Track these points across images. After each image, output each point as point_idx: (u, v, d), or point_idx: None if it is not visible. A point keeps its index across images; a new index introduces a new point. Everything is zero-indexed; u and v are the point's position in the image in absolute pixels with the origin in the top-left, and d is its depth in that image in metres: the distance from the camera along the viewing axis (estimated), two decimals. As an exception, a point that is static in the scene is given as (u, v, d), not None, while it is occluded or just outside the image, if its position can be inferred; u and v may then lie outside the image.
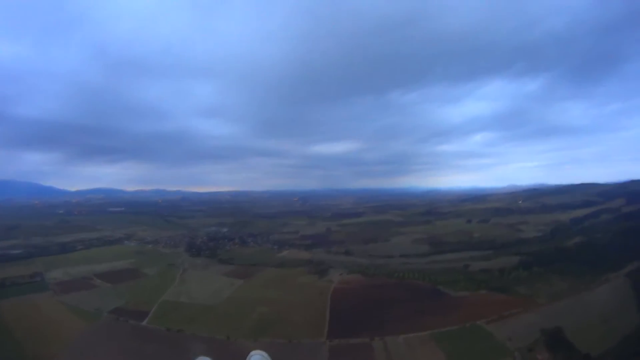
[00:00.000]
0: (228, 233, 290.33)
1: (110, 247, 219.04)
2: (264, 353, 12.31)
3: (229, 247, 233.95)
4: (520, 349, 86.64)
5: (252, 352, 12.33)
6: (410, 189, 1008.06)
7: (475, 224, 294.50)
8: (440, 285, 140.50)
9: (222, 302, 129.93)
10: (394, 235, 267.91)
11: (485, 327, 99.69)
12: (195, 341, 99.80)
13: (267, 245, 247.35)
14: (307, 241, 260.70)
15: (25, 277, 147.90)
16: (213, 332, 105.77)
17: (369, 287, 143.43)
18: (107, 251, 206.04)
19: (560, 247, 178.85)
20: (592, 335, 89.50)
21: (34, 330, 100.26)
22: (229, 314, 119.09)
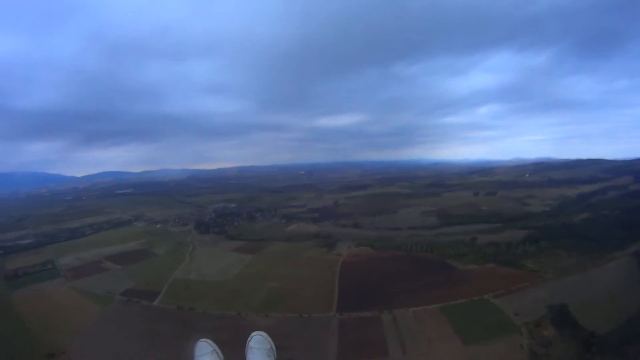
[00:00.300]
0: (236, 209, 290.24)
1: (119, 230, 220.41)
2: (263, 333, 12.81)
3: (237, 223, 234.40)
4: (527, 324, 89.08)
5: (253, 333, 12.86)
6: (417, 161, 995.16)
7: (483, 197, 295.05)
8: (449, 258, 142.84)
9: (231, 278, 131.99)
10: (401, 207, 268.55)
11: (493, 301, 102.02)
12: (207, 318, 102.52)
13: (275, 219, 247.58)
14: (315, 214, 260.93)
15: (37, 266, 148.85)
16: (224, 308, 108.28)
17: (377, 260, 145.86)
18: (117, 233, 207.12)
19: (567, 222, 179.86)
20: (598, 313, 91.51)
21: (47, 318, 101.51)
22: (239, 290, 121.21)
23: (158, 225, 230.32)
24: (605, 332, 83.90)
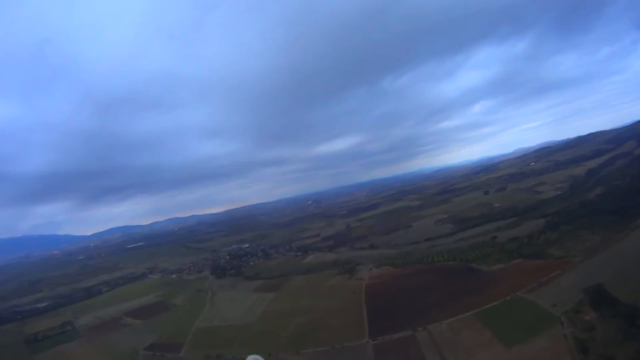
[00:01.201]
0: (249, 248, 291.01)
1: (135, 284, 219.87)
2: (259, 357, 12.69)
3: (253, 262, 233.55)
4: (566, 313, 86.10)
5: (250, 357, 12.84)
6: (420, 171, 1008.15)
7: (493, 194, 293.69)
8: (473, 262, 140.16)
9: (256, 319, 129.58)
10: (414, 220, 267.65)
11: (527, 297, 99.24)
12: None
13: (291, 253, 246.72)
14: (330, 242, 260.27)
15: (56, 329, 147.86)
16: (252, 351, 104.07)
17: (401, 278, 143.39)
18: (133, 288, 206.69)
19: (583, 201, 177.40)
20: (634, 286, 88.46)
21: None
22: (265, 330, 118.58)
23: (173, 275, 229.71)
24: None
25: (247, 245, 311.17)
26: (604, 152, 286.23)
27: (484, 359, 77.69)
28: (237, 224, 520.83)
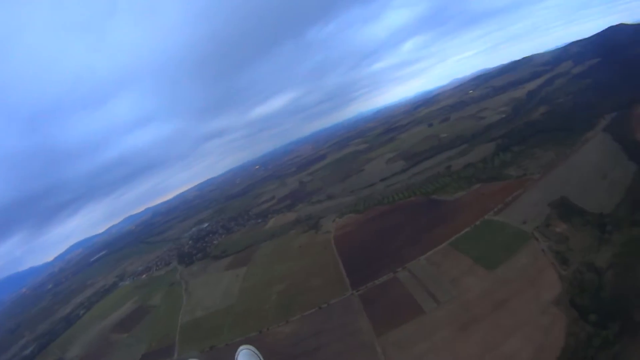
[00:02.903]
0: (209, 227, 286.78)
1: (109, 297, 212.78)
2: (251, 347, 13.29)
3: (217, 241, 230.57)
4: (538, 228, 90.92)
5: (241, 347, 13.33)
6: (360, 115, 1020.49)
7: (438, 126, 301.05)
8: (434, 194, 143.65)
9: (236, 299, 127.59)
10: (365, 163, 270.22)
11: (496, 219, 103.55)
12: (231, 350, 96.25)
13: (251, 222, 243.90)
14: (286, 202, 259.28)
15: None
16: (243, 332, 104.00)
17: (367, 223, 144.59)
18: (108, 301, 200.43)
19: (528, 121, 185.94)
20: (597, 194, 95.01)
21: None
22: (248, 308, 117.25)
23: (143, 276, 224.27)
24: (612, 209, 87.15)
25: (206, 224, 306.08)
26: (542, 74, 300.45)
27: (472, 286, 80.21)
28: (191, 205, 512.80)
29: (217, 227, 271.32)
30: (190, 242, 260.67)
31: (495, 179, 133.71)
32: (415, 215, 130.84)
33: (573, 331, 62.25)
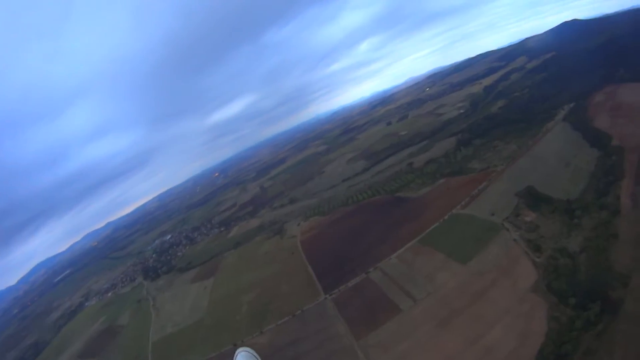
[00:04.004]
0: (172, 239, 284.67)
1: (76, 319, 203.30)
2: (249, 349, 13.44)
3: (181, 252, 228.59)
4: (508, 219, 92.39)
5: (239, 350, 13.44)
6: (317, 117, 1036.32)
7: (396, 124, 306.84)
8: (398, 192, 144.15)
9: (206, 312, 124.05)
10: (325, 165, 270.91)
11: (464, 212, 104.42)
12: None
13: (214, 231, 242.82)
14: (249, 208, 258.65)
15: None
16: (217, 346, 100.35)
17: (332, 225, 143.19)
18: (76, 324, 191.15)
19: (487, 115, 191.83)
20: (562, 182, 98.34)
21: None
22: (220, 321, 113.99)
23: (109, 294, 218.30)
24: (578, 195, 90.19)
25: (169, 236, 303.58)
26: (497, 69, 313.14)
27: (447, 280, 79.87)
28: (152, 217, 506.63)
29: (180, 238, 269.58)
30: (154, 255, 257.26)
31: (459, 173, 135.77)
32: (382, 214, 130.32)
33: (554, 316, 63.03)
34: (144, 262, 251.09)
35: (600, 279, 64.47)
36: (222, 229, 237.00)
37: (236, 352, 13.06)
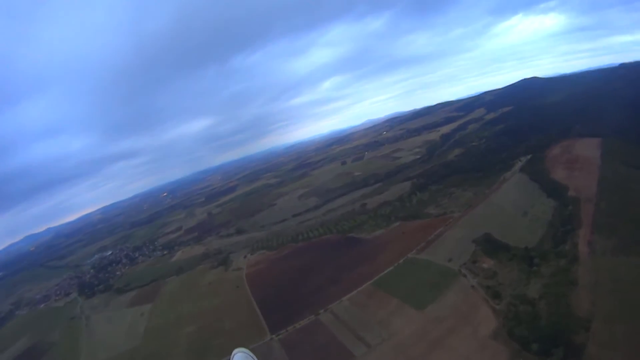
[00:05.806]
0: (112, 256, 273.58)
1: (4, 328, 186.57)
2: (245, 350, 13.67)
3: (120, 272, 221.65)
4: (465, 265, 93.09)
5: (235, 350, 13.65)
6: (272, 149, 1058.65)
7: (351, 164, 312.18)
8: (351, 232, 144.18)
9: (142, 340, 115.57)
10: (276, 198, 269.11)
11: (420, 257, 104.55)
12: None
13: (157, 253, 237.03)
14: (194, 233, 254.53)
15: None
16: None
17: (281, 260, 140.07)
18: (4, 334, 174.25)
19: (444, 162, 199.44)
20: (520, 230, 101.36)
21: None
22: (156, 351, 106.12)
23: (41, 306, 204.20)
24: (536, 243, 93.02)
25: (109, 252, 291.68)
26: (455, 119, 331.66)
27: (403, 326, 77.66)
28: (95, 229, 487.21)
29: (120, 256, 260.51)
30: (92, 270, 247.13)
31: (415, 217, 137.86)
32: (333, 254, 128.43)
33: (517, 364, 62.30)
34: (81, 276, 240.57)
35: (561, 324, 65.23)
36: (165, 252, 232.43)
37: (233, 353, 13.21)
